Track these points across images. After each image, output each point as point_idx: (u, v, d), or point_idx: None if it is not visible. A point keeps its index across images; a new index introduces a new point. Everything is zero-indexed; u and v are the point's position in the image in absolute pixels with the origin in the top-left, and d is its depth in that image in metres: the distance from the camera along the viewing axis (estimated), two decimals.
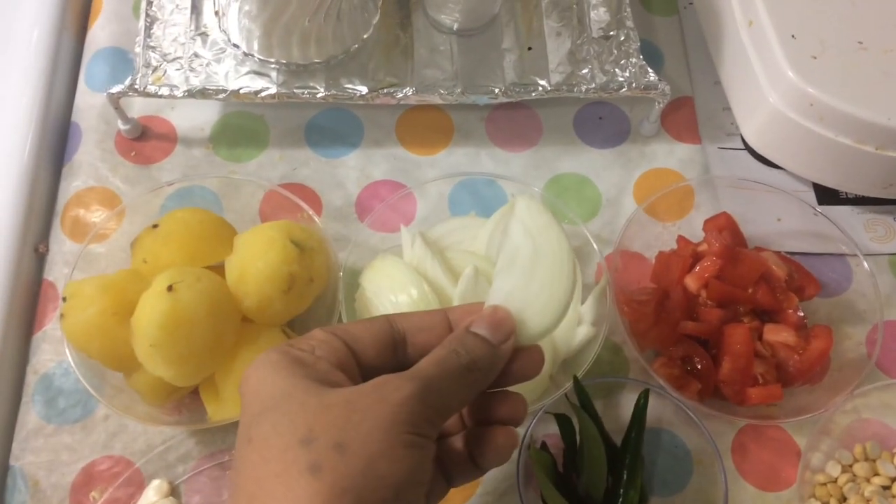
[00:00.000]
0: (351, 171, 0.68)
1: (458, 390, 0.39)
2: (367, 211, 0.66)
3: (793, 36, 0.61)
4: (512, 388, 0.45)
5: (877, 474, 0.56)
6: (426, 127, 0.70)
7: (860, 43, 0.61)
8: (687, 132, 0.71)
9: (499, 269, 0.44)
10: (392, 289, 0.56)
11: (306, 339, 0.40)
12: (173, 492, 0.55)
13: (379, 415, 0.35)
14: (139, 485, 0.55)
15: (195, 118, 0.69)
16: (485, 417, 0.43)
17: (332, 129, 0.70)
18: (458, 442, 0.43)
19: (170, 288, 0.49)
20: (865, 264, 0.60)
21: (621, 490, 0.52)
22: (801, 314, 0.59)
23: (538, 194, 0.64)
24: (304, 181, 0.67)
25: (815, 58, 0.60)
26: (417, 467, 0.35)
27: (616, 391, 0.59)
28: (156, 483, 0.54)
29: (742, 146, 0.70)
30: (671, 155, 0.70)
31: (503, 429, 0.42)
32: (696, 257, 0.60)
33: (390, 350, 0.41)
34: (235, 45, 0.63)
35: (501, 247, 0.45)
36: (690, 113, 0.72)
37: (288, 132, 0.69)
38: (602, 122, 0.72)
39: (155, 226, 0.55)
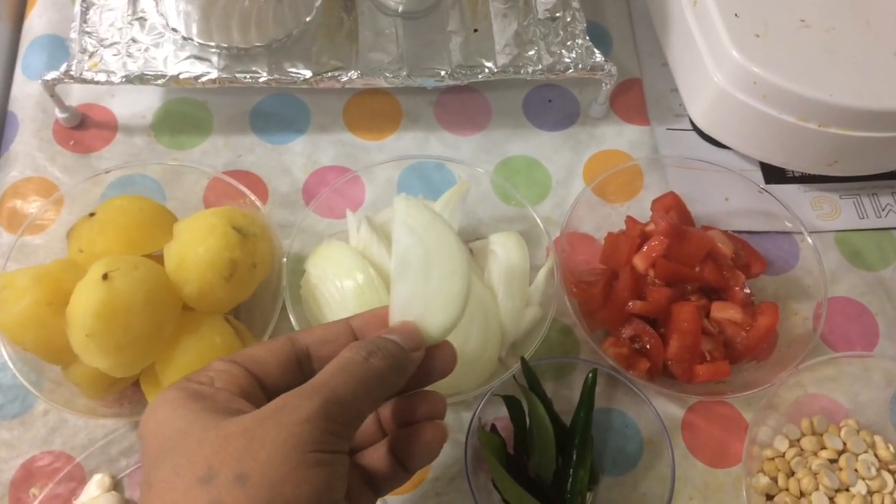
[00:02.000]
0: (297, 157, 0.67)
1: (366, 394, 0.38)
2: (314, 197, 0.65)
3: (736, 15, 0.61)
4: (460, 374, 0.47)
5: (823, 448, 0.56)
6: (374, 112, 0.69)
7: (803, 21, 0.62)
8: (636, 114, 0.71)
9: (395, 276, 0.44)
10: (337, 274, 0.55)
11: (205, 371, 0.39)
12: (116, 486, 0.53)
13: (278, 439, 0.34)
14: (80, 480, 0.53)
15: (136, 105, 0.68)
16: (406, 420, 0.43)
17: (278, 114, 0.69)
18: (380, 450, 0.43)
19: (105, 276, 0.48)
20: (810, 240, 0.61)
21: (571, 470, 0.52)
22: (748, 291, 0.59)
23: (487, 175, 0.64)
24: (250, 168, 0.66)
25: (758, 36, 0.60)
26: (327, 485, 0.34)
27: (567, 372, 0.59)
28: (97, 477, 0.53)
29: (690, 127, 0.70)
30: (620, 136, 0.70)
31: (430, 423, 0.42)
32: (645, 237, 0.60)
33: (295, 368, 0.40)
34: (174, 30, 0.62)
35: (393, 252, 0.45)
36: (639, 95, 0.72)
37: (232, 118, 0.68)
38: (551, 105, 0.71)
39: (92, 214, 0.54)
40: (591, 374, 0.54)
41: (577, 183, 0.68)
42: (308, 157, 0.67)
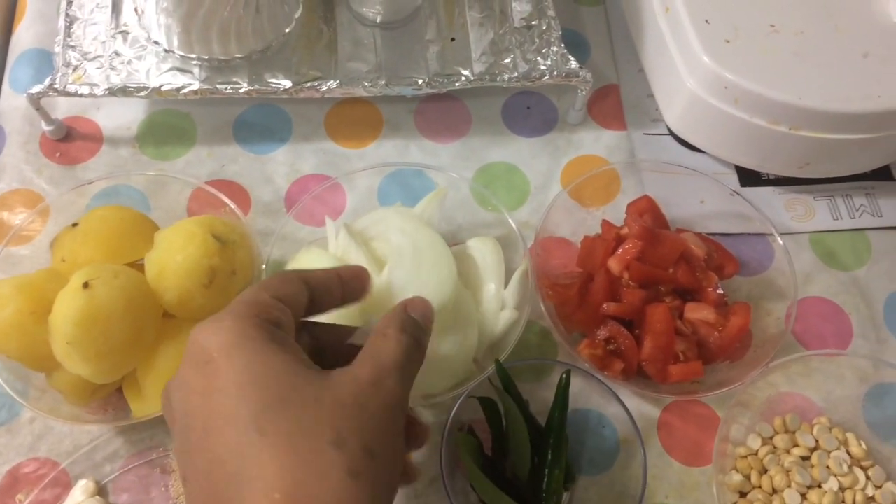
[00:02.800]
0: (280, 166, 0.68)
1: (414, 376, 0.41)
2: (300, 208, 0.66)
3: (707, 21, 0.62)
4: (436, 375, 0.52)
5: (796, 445, 0.57)
6: (355, 120, 0.71)
7: (772, 26, 0.63)
8: (613, 119, 0.72)
9: (391, 266, 0.55)
10: None
11: (273, 304, 0.39)
12: (101, 491, 0.54)
13: (384, 418, 0.37)
14: (66, 486, 0.54)
15: (121, 117, 0.69)
16: None
17: (261, 124, 0.70)
18: None
19: (85, 285, 0.49)
20: (780, 241, 0.62)
21: (546, 469, 0.53)
22: (721, 292, 0.60)
23: (465, 182, 0.65)
24: (233, 177, 0.67)
25: (728, 41, 0.62)
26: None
27: (545, 373, 0.60)
28: (82, 483, 0.54)
29: (666, 132, 0.71)
30: (598, 142, 0.71)
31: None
32: (620, 240, 0.61)
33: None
34: (156, 42, 0.63)
35: (388, 252, 0.56)
36: (616, 101, 0.73)
37: (216, 129, 0.69)
38: (530, 112, 0.72)
39: (74, 224, 0.55)
40: (564, 376, 0.55)
41: (555, 188, 0.69)
42: (290, 165, 0.68)
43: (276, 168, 0.68)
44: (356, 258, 0.57)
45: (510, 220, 0.61)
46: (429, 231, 0.57)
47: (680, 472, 0.58)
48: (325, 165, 0.69)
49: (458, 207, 0.64)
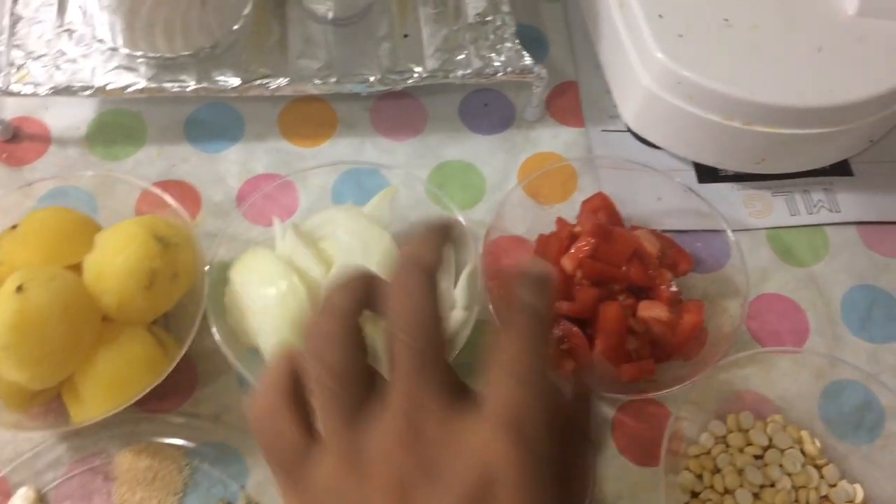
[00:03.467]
0: (232, 165, 0.67)
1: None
2: (250, 207, 0.65)
3: (660, 16, 0.62)
4: None
5: (749, 444, 0.56)
6: (309, 119, 0.70)
7: (726, 20, 0.62)
8: (571, 116, 0.72)
9: (339, 264, 0.54)
10: (261, 282, 0.55)
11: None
12: (42, 499, 0.53)
13: None
14: (6, 494, 0.53)
15: (71, 118, 0.68)
16: None
17: (213, 123, 0.69)
18: None
19: (19, 288, 0.48)
20: (732, 237, 0.61)
21: None
22: (675, 290, 0.59)
23: (420, 180, 0.64)
24: (184, 177, 0.66)
25: (681, 36, 0.61)
26: None
27: None
28: (22, 491, 0.53)
29: (625, 128, 0.71)
30: (556, 139, 0.71)
31: None
32: (573, 238, 0.60)
33: None
34: (101, 40, 0.62)
35: (336, 251, 0.56)
36: (575, 97, 0.73)
37: (166, 128, 0.68)
38: (487, 109, 0.72)
39: (14, 226, 0.54)
40: None
41: (512, 186, 0.68)
42: (243, 165, 0.67)
43: (227, 167, 0.67)
44: (303, 259, 0.56)
45: (461, 218, 0.60)
46: (378, 230, 0.57)
47: (634, 472, 0.57)
48: (279, 164, 0.68)
49: (412, 206, 0.63)
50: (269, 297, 0.54)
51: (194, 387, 0.58)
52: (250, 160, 0.68)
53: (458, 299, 0.57)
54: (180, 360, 0.55)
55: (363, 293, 0.34)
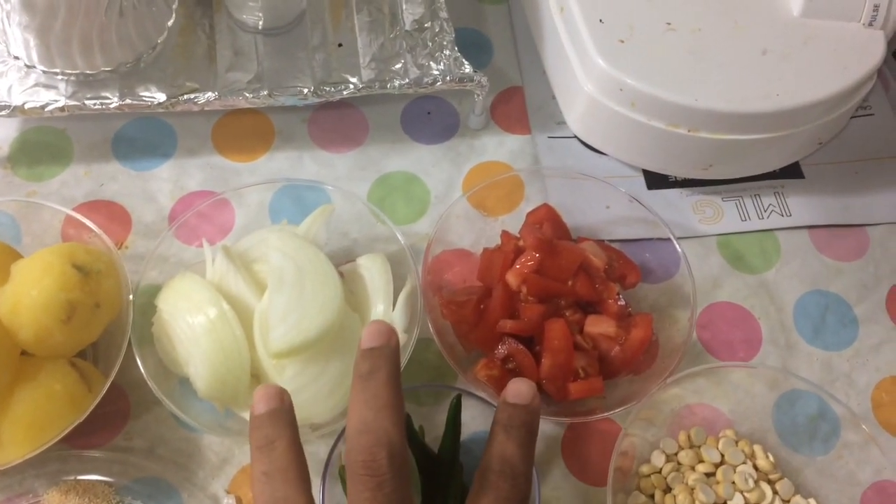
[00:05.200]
0: (164, 183, 0.64)
1: None
2: (182, 226, 0.62)
3: (601, 20, 0.60)
4: (317, 404, 0.51)
5: (701, 461, 0.55)
6: (244, 132, 0.67)
7: (668, 24, 0.61)
8: (517, 123, 0.70)
9: (272, 291, 0.52)
10: (189, 309, 0.52)
11: None
12: None
13: None
14: None
15: None
16: None
17: (142, 139, 0.66)
18: None
19: None
20: (678, 247, 0.59)
21: (438, 499, 0.50)
22: (623, 303, 0.58)
23: (362, 197, 0.62)
24: (113, 197, 0.63)
25: (622, 42, 0.59)
26: None
27: (444, 395, 0.57)
28: None
29: (572, 135, 0.69)
30: (501, 147, 0.69)
31: None
32: (518, 252, 0.58)
33: None
34: (17, 58, 0.59)
35: (269, 275, 0.53)
36: (521, 103, 0.71)
37: (93, 146, 0.65)
38: (430, 118, 0.69)
39: None
40: (454, 400, 0.52)
41: (457, 197, 0.66)
42: (175, 182, 0.65)
43: (159, 186, 0.64)
44: (235, 284, 0.54)
45: (399, 236, 0.58)
46: (312, 251, 0.54)
47: (584, 492, 0.56)
48: (213, 181, 0.65)
49: (353, 221, 0.61)
50: (197, 326, 0.51)
51: (126, 419, 0.56)
52: (183, 177, 0.65)
53: (397, 322, 0.54)
54: (110, 391, 0.52)
55: None
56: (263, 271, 0.55)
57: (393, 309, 0.55)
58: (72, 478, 0.53)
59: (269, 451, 0.39)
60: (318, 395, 0.51)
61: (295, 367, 0.51)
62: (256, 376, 0.53)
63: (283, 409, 0.40)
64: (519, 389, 0.43)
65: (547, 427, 0.57)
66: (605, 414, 0.54)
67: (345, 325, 0.53)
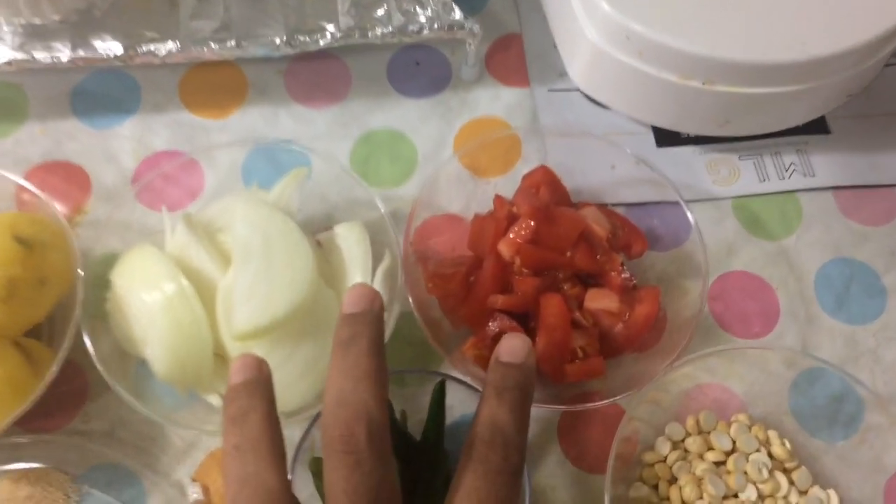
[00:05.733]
0: (126, 142, 0.59)
1: None
2: (146, 189, 0.57)
3: None
4: (289, 387, 0.46)
5: (710, 449, 0.50)
6: (215, 86, 0.61)
7: None
8: (514, 74, 0.64)
9: (237, 265, 0.47)
10: (145, 285, 0.47)
11: None
12: None
13: None
14: None
15: None
16: None
17: (104, 94, 0.60)
18: None
19: None
20: (688, 211, 0.54)
21: (420, 488, 0.46)
22: (627, 275, 0.52)
23: (344, 153, 0.57)
24: (70, 157, 0.58)
25: None
26: None
27: (429, 380, 0.52)
28: None
29: (574, 87, 0.63)
30: (497, 101, 0.63)
31: None
32: (513, 219, 0.53)
33: None
34: None
35: (233, 248, 0.48)
36: (519, 52, 0.64)
37: (50, 101, 0.60)
38: (419, 69, 0.63)
39: None
40: (437, 386, 0.48)
41: (448, 157, 0.60)
42: (139, 141, 0.59)
43: (121, 145, 0.59)
44: (197, 257, 0.49)
45: (378, 202, 0.52)
46: (283, 220, 0.49)
47: (584, 480, 0.51)
48: (181, 140, 0.60)
49: (332, 183, 0.56)
50: (153, 304, 0.47)
51: (84, 400, 0.52)
52: (147, 135, 0.59)
53: None
54: (67, 370, 0.49)
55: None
56: (229, 242, 0.49)
57: (371, 283, 0.50)
58: (23, 465, 0.49)
59: (242, 422, 0.35)
60: (287, 379, 0.46)
61: (261, 350, 0.46)
62: (222, 357, 0.48)
63: (259, 379, 0.37)
64: (513, 346, 0.39)
65: (542, 409, 0.53)
66: (605, 402, 0.49)
67: (318, 302, 0.48)
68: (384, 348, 0.38)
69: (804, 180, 0.60)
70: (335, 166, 0.55)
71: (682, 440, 0.51)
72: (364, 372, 0.35)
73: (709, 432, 0.51)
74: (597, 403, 0.49)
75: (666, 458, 0.50)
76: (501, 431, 0.36)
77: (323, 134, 0.60)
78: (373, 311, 0.38)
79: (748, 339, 0.56)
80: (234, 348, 0.47)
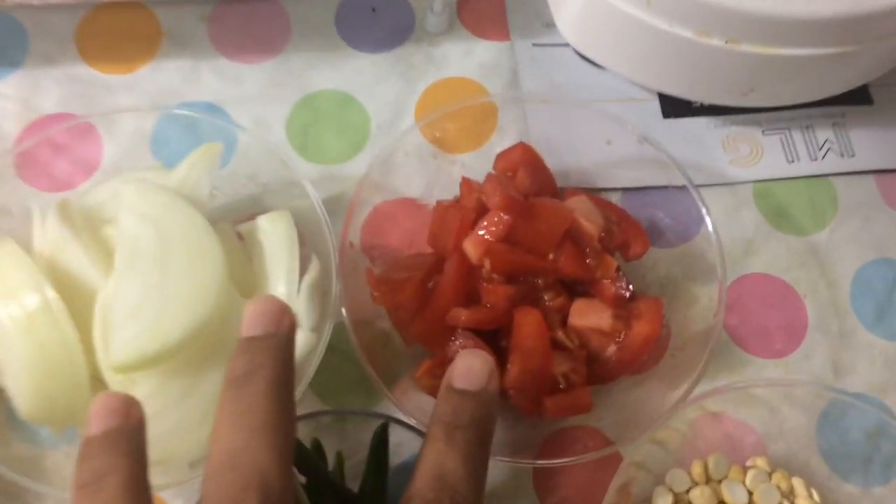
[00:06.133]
0: (8, 102, 0.49)
1: None
2: (30, 162, 0.46)
3: None
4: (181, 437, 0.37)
5: (722, 502, 0.40)
6: (121, 33, 0.50)
7: None
8: (491, 25, 0.52)
9: (119, 272, 0.37)
10: (2, 294, 0.37)
11: None
12: None
13: None
14: None
15: None
16: None
17: None
18: None
19: None
20: (699, 202, 0.43)
21: None
22: (623, 284, 0.42)
23: (278, 123, 0.46)
24: None
25: None
26: None
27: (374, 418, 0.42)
28: None
29: (564, 42, 0.51)
30: (469, 57, 0.52)
31: None
32: (483, 210, 0.42)
33: None
34: None
35: (117, 248, 0.37)
36: None
37: None
38: (375, 17, 0.52)
39: None
40: (378, 429, 0.37)
41: (407, 127, 0.49)
42: (24, 102, 0.48)
43: (2, 105, 0.48)
44: (73, 258, 0.38)
45: (308, 187, 0.41)
46: (186, 212, 0.38)
47: None
48: (77, 100, 0.49)
49: (263, 160, 0.45)
50: (10, 322, 0.36)
51: None
52: (36, 94, 0.49)
53: (302, 314, 0.39)
54: None
55: None
56: (114, 240, 0.39)
57: (298, 292, 0.39)
58: None
59: (95, 491, 0.26)
60: (185, 422, 0.36)
61: (150, 385, 0.36)
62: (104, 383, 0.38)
63: (124, 429, 0.28)
64: (469, 367, 0.31)
65: (517, 441, 0.43)
66: (593, 455, 0.39)
67: (229, 321, 0.37)
68: (292, 385, 0.29)
69: (841, 162, 0.50)
70: (276, 132, 0.45)
71: (687, 491, 0.41)
72: (261, 421, 0.26)
73: (719, 481, 0.41)
74: (583, 457, 0.39)
75: None
76: (450, 487, 0.28)
77: (254, 96, 0.50)
78: (278, 336, 0.29)
79: (768, 358, 0.46)
80: (113, 382, 0.36)
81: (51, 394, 0.36)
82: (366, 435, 0.40)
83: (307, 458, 0.36)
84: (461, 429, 0.29)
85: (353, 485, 0.38)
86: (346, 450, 0.40)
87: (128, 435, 0.28)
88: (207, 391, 0.37)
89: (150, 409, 0.35)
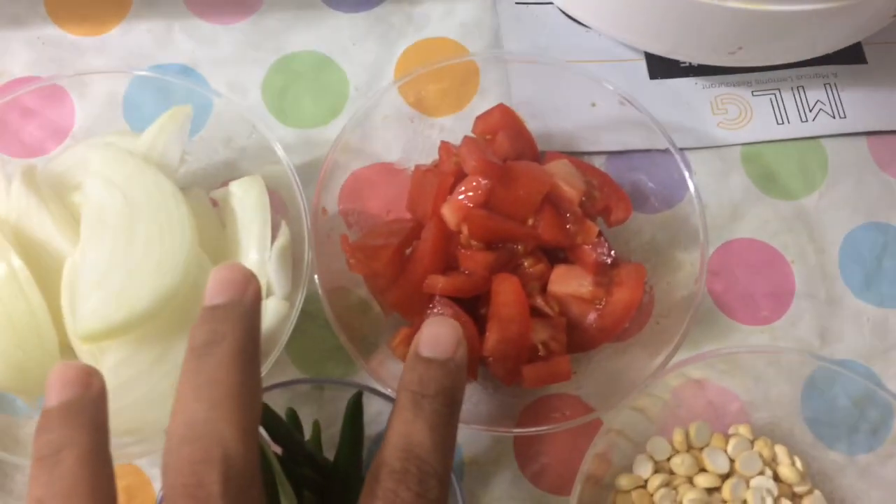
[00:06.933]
0: None
1: None
2: (0, 128, 0.45)
3: None
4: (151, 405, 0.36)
5: (702, 470, 0.40)
6: None
7: None
8: None
9: (85, 239, 0.36)
10: None
11: None
12: None
13: None
14: None
15: None
16: None
17: None
18: None
19: None
20: (681, 164, 0.42)
21: None
22: (604, 250, 0.41)
23: (254, 85, 0.44)
24: None
25: None
26: None
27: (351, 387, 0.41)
28: None
29: (549, 0, 0.50)
30: (450, 17, 0.50)
31: None
32: (461, 176, 0.41)
33: None
34: None
35: (83, 216, 0.36)
36: None
37: None
38: None
39: None
40: (352, 400, 0.37)
41: (384, 87, 0.48)
42: None
43: None
44: (39, 225, 0.37)
45: (278, 150, 0.40)
46: (154, 177, 0.38)
47: (543, 502, 0.41)
48: (46, 63, 0.48)
49: (239, 122, 0.44)
50: None
51: None
52: (3, 58, 0.48)
53: (275, 286, 0.38)
54: None
55: None
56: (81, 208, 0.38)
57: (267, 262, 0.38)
58: None
59: (52, 465, 0.26)
60: (156, 390, 0.36)
61: (120, 353, 0.35)
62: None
63: (83, 400, 0.27)
64: (436, 335, 0.30)
65: (487, 432, 0.42)
66: (573, 422, 0.38)
67: (200, 287, 0.36)
68: (258, 355, 0.28)
69: (832, 123, 0.49)
70: (253, 95, 0.44)
71: (668, 459, 0.41)
72: (224, 392, 0.26)
73: (701, 449, 0.41)
74: (562, 424, 0.39)
75: (646, 482, 0.40)
76: (417, 457, 0.27)
77: (228, 58, 0.48)
78: (243, 304, 0.28)
79: (754, 325, 0.45)
80: (82, 351, 0.36)
81: (20, 363, 0.35)
82: (343, 404, 0.39)
83: (282, 428, 0.36)
84: (428, 398, 0.29)
85: (331, 454, 0.38)
86: (324, 419, 0.39)
87: (86, 407, 0.27)
88: (179, 359, 0.35)
89: (120, 378, 0.35)
